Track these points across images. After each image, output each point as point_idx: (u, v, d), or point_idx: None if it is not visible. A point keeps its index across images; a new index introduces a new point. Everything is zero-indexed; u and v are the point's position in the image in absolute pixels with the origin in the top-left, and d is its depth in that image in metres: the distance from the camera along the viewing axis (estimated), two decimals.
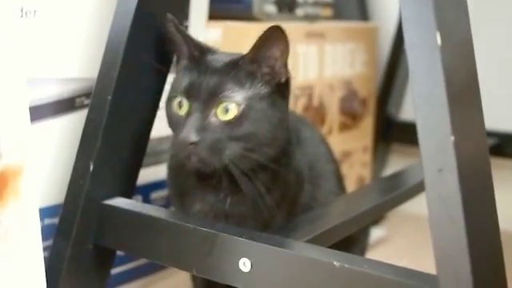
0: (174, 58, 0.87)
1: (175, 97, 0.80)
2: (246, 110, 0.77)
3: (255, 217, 0.82)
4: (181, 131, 0.76)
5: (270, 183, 0.82)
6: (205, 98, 0.77)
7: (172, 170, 0.89)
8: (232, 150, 0.76)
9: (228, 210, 0.82)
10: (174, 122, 0.80)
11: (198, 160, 0.76)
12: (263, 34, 0.76)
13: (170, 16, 0.83)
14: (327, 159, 1.00)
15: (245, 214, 0.82)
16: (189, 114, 0.77)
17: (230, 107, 0.76)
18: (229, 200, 0.82)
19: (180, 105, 0.79)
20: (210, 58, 0.81)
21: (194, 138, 0.75)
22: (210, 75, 0.78)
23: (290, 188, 0.86)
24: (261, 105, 0.78)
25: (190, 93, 0.78)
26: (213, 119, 0.76)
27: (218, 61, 0.81)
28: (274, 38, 0.77)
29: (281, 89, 0.80)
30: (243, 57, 0.79)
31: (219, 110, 0.77)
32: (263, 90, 0.79)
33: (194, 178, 0.84)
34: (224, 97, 0.77)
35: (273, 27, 0.76)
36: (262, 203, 0.82)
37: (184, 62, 0.83)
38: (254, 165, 0.78)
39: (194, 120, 0.76)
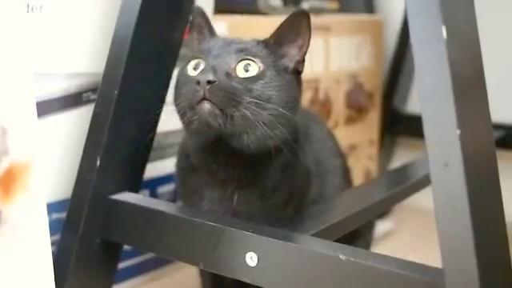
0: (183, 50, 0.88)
1: (192, 59, 0.78)
2: (265, 72, 0.76)
3: (263, 214, 0.82)
4: (196, 78, 0.73)
5: (278, 178, 0.82)
6: (225, 56, 0.76)
7: (180, 168, 0.89)
8: (248, 105, 0.73)
9: (236, 207, 0.82)
10: (185, 83, 0.76)
11: (211, 109, 0.72)
12: (289, 19, 0.77)
13: (199, 8, 0.85)
14: (334, 154, 1.00)
15: (253, 210, 0.82)
16: (207, 65, 0.75)
17: (250, 67, 0.76)
18: (236, 197, 0.82)
19: (196, 67, 0.77)
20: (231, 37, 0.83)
21: (212, 76, 0.72)
22: (232, 42, 0.79)
23: (298, 184, 0.86)
24: (278, 76, 0.77)
25: (212, 51, 0.77)
26: (232, 73, 0.75)
27: (240, 38, 0.82)
28: (300, 24, 0.77)
29: (297, 77, 0.81)
30: (266, 38, 0.80)
31: (239, 67, 0.75)
32: (282, 67, 0.79)
33: (202, 175, 0.83)
34: (247, 55, 0.76)
35: (300, 13, 0.76)
36: (270, 201, 0.82)
37: (207, 37, 0.83)
38: (265, 145, 0.76)
39: (213, 66, 0.74)
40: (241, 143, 0.76)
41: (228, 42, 0.79)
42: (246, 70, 0.75)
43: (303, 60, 0.80)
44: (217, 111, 0.72)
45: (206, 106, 0.72)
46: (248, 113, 0.73)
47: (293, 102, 0.78)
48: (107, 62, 0.87)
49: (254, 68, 0.76)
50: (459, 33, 0.62)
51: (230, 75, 0.74)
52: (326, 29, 1.35)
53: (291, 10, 1.31)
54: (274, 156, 0.78)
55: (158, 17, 0.88)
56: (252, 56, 0.77)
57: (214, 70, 0.73)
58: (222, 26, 1.23)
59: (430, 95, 0.61)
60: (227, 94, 0.72)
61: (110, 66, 0.87)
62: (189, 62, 0.79)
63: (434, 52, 0.60)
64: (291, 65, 0.80)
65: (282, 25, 0.79)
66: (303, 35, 0.78)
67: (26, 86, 0.76)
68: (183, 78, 0.78)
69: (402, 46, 1.62)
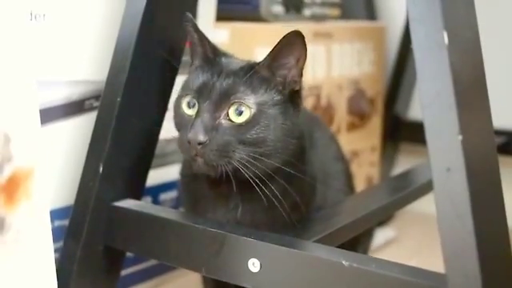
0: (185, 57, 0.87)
1: (186, 95, 0.79)
2: (258, 114, 0.75)
3: (268, 224, 0.81)
4: (189, 131, 0.74)
5: (282, 192, 0.81)
6: (216, 98, 0.76)
7: (184, 177, 0.89)
8: (241, 154, 0.74)
9: (240, 218, 0.81)
10: (181, 121, 0.79)
11: (204, 163, 0.74)
12: (282, 40, 0.75)
13: (189, 16, 0.82)
14: (337, 158, 1.00)
15: (257, 222, 0.81)
16: (199, 113, 0.76)
17: (242, 110, 0.75)
18: (240, 209, 0.81)
19: (190, 104, 0.78)
20: (224, 60, 0.81)
21: (202, 138, 0.73)
22: (223, 77, 0.77)
23: (304, 194, 0.85)
24: (273, 111, 0.76)
25: (202, 92, 0.77)
26: (223, 121, 0.75)
27: (232, 64, 0.80)
28: (293, 45, 0.76)
29: (294, 97, 0.79)
30: (259, 63, 0.78)
31: (231, 112, 0.75)
32: (276, 96, 0.77)
33: (206, 185, 0.83)
34: (236, 98, 0.75)
35: (293, 33, 0.74)
36: (275, 212, 0.81)
37: (197, 63, 0.82)
38: (265, 171, 0.77)
39: (203, 120, 0.74)
40: (242, 176, 0.76)
41: (219, 77, 0.77)
42: (239, 113, 0.75)
43: (300, 79, 0.79)
44: (213, 163, 0.74)
45: (200, 160, 0.74)
46: (240, 159, 0.74)
47: (291, 130, 0.78)
48: (110, 70, 0.88)
49: (246, 112, 0.75)
50: (461, 38, 0.62)
51: (220, 125, 0.75)
52: (327, 35, 1.35)
53: (293, 16, 1.32)
54: (278, 171, 0.78)
55: (161, 25, 0.88)
56: (243, 98, 0.75)
57: (205, 126, 0.74)
58: (224, 33, 1.23)
59: (431, 101, 0.61)
60: (218, 152, 0.74)
61: (113, 74, 0.87)
62: (182, 96, 0.79)
63: (435, 58, 0.60)
64: (288, 86, 0.78)
65: (275, 47, 0.76)
66: (298, 54, 0.77)
67: (29, 94, 0.77)
68: (180, 115, 0.79)
69: (404, 52, 1.62)
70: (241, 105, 0.75)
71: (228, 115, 0.75)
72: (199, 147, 0.73)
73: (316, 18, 1.38)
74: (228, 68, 0.79)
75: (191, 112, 0.78)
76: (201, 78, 0.79)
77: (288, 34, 0.75)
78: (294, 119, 0.79)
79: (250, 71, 0.77)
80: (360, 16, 1.64)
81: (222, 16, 1.24)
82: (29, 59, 0.77)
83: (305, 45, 0.76)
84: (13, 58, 0.75)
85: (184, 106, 0.79)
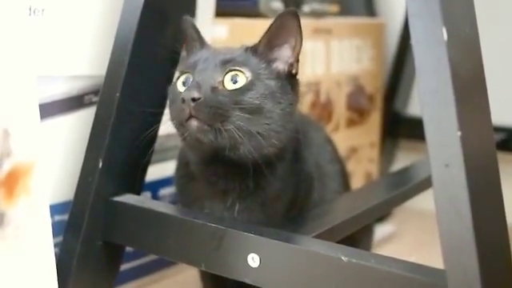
0: (183, 53, 0.88)
1: (181, 75, 0.78)
2: (254, 81, 0.74)
3: (265, 222, 0.81)
4: (181, 96, 0.72)
5: (279, 187, 0.81)
6: (212, 67, 0.75)
7: (179, 176, 0.89)
8: (237, 118, 0.72)
9: (237, 217, 0.81)
10: (175, 98, 0.77)
11: (198, 126, 0.72)
12: (277, 19, 0.75)
13: (188, 18, 0.84)
14: (333, 159, 1.00)
15: (254, 219, 0.81)
16: (194, 79, 0.75)
17: (237, 79, 0.74)
18: (237, 207, 0.81)
19: (185, 82, 0.77)
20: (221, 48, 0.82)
21: (196, 94, 0.71)
22: (219, 53, 0.78)
23: (300, 191, 0.85)
24: (269, 83, 0.75)
25: (197, 65, 0.76)
26: (219, 87, 0.74)
27: (229, 47, 0.81)
28: (288, 24, 0.76)
29: (291, 80, 0.79)
30: (255, 43, 0.78)
31: (226, 79, 0.74)
32: (273, 72, 0.77)
33: (203, 184, 0.83)
34: (233, 66, 0.75)
35: (288, 12, 0.74)
36: (272, 209, 0.81)
37: (193, 50, 0.83)
38: (261, 154, 0.75)
39: (198, 81, 0.73)
40: (238, 155, 0.75)
41: (214, 54, 0.78)
42: (234, 82, 0.74)
43: (297, 61, 0.79)
44: (205, 127, 0.72)
45: (194, 123, 0.72)
46: (235, 127, 0.72)
47: (287, 108, 0.76)
48: (109, 65, 0.88)
49: (242, 79, 0.74)
50: (460, 34, 0.62)
51: (216, 89, 0.73)
52: (327, 31, 1.35)
53: None
54: (273, 165, 0.78)
55: (160, 20, 0.88)
56: (239, 66, 0.75)
57: (199, 86, 0.72)
58: (223, 29, 1.23)
59: (430, 96, 0.61)
60: (213, 110, 0.71)
61: (112, 69, 0.87)
62: (178, 77, 0.79)
63: (434, 53, 0.60)
64: (285, 68, 0.78)
65: (270, 27, 0.76)
66: (294, 35, 0.76)
67: (28, 89, 0.77)
68: (173, 94, 0.78)
69: (403, 48, 1.62)
70: (236, 73, 0.75)
71: (223, 83, 0.74)
72: (193, 104, 0.71)
73: (315, 14, 1.37)
74: (225, 49, 0.80)
75: (183, 89, 0.76)
76: (196, 56, 0.79)
77: (283, 13, 0.75)
78: (291, 100, 0.78)
79: (246, 50, 0.78)
80: (359, 12, 1.64)
81: (222, 12, 1.24)
82: (28, 54, 0.77)
83: (299, 24, 0.75)
84: (12, 53, 0.75)
85: (179, 85, 0.78)
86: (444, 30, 0.60)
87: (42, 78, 0.91)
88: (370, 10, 1.67)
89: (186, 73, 0.78)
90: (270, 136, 0.75)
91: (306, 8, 1.36)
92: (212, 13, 1.21)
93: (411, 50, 0.62)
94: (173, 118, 0.76)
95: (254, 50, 0.78)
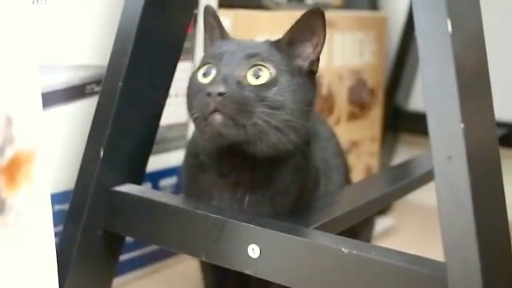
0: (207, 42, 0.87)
1: (202, 66, 0.78)
2: (278, 77, 0.74)
3: (272, 215, 0.81)
4: (208, 87, 0.72)
5: (289, 181, 0.81)
6: (237, 61, 0.75)
7: (189, 167, 0.88)
8: (261, 114, 0.72)
9: (246, 210, 0.81)
10: (196, 90, 0.76)
11: (223, 120, 0.72)
12: (303, 17, 0.76)
13: (210, 6, 0.84)
14: (337, 153, 1.00)
15: (262, 212, 0.81)
16: (219, 72, 0.74)
17: (260, 74, 0.74)
18: (247, 199, 0.81)
19: (206, 74, 0.76)
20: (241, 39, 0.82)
21: (223, 88, 0.71)
22: (243, 46, 0.78)
23: (308, 186, 0.85)
24: (292, 79, 0.76)
25: (222, 58, 0.76)
26: (243, 81, 0.74)
27: (252, 40, 0.81)
28: (313, 23, 0.76)
29: (311, 78, 0.79)
30: (279, 39, 0.78)
31: (249, 74, 0.74)
32: (295, 68, 0.77)
33: (214, 175, 0.82)
34: (258, 61, 0.75)
35: (315, 11, 0.75)
36: (281, 203, 0.82)
37: (216, 40, 0.83)
38: (279, 148, 0.75)
39: (224, 76, 0.73)
40: (255, 149, 0.75)
41: (239, 47, 0.78)
42: (257, 77, 0.74)
43: (318, 60, 0.79)
44: (229, 122, 0.72)
45: (218, 117, 0.72)
46: (260, 122, 0.72)
47: (307, 105, 0.77)
48: (112, 55, 0.88)
49: (266, 74, 0.74)
50: (464, 27, 0.62)
51: (241, 83, 0.73)
52: (329, 24, 1.35)
53: (296, 5, 1.32)
54: (286, 159, 0.79)
55: (163, 9, 0.88)
56: (263, 61, 0.75)
57: (225, 80, 0.72)
58: (226, 20, 1.23)
59: (434, 88, 0.61)
60: (239, 105, 0.71)
61: (115, 59, 0.87)
62: (199, 67, 0.78)
63: (438, 45, 0.60)
64: (305, 65, 0.78)
65: (296, 23, 0.77)
66: (318, 34, 0.77)
67: (31, 76, 0.77)
68: (194, 85, 0.77)
69: (405, 42, 1.62)
70: (260, 68, 0.75)
71: (247, 78, 0.74)
72: (219, 99, 0.71)
73: (318, 6, 1.37)
74: (248, 41, 0.80)
75: (206, 81, 0.76)
76: (221, 48, 0.78)
77: (309, 11, 0.76)
78: (311, 97, 0.78)
79: (270, 45, 0.78)
80: (362, 6, 1.64)
81: (225, 3, 1.23)
82: (31, 42, 0.77)
83: (324, 23, 0.76)
84: (15, 41, 0.75)
85: (199, 77, 0.77)
86: (448, 22, 0.60)
87: (44, 66, 0.91)
88: (372, 3, 1.67)
89: (207, 63, 0.77)
90: (290, 132, 0.75)
91: (309, 0, 1.36)
92: (216, 4, 1.20)
93: (413, 45, 0.63)
94: (195, 112, 0.75)
95: (277, 45, 0.78)
